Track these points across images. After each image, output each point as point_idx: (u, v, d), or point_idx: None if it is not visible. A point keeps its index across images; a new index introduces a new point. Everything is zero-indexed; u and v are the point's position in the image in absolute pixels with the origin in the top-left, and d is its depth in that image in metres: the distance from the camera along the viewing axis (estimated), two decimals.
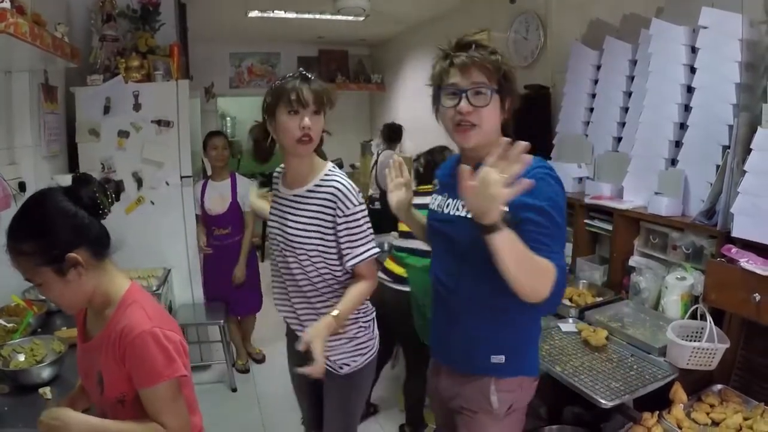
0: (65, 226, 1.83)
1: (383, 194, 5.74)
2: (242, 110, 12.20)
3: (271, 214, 2.71)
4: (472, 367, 2.26)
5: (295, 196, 2.60)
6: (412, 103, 8.79)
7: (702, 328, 2.85)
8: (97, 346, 1.93)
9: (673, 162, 3.40)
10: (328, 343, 2.42)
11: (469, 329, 2.23)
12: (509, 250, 1.73)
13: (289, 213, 2.60)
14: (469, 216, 1.87)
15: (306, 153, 2.52)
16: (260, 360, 5.85)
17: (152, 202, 5.07)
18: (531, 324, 2.30)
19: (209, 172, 5.56)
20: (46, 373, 2.69)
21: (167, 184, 5.09)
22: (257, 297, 5.64)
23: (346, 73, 10.10)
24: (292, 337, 2.85)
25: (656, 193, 3.41)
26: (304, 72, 2.51)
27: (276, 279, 2.77)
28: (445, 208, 2.25)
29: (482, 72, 2.04)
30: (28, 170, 4.13)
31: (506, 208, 1.69)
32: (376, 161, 6.98)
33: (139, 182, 5.04)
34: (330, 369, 2.70)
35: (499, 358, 2.20)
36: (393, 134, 7.27)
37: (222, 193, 5.29)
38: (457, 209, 2.16)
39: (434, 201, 2.38)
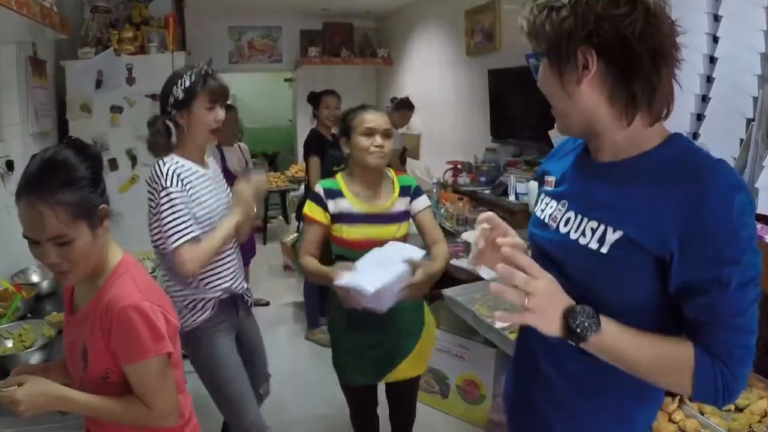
0: (98, 177, 1.85)
1: None
2: (242, 87, 12.16)
3: (205, 193, 2.92)
4: None
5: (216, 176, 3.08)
6: (420, 77, 8.78)
7: None
8: (84, 318, 1.91)
9: (695, 135, 3.34)
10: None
11: (578, 417, 1.69)
12: (610, 353, 1.44)
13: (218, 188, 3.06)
14: (602, 251, 1.47)
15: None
16: (265, 304, 6.60)
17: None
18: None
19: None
20: (34, 358, 2.67)
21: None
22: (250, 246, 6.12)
23: (351, 47, 10.06)
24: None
25: None
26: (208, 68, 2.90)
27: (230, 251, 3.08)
28: (560, 224, 1.63)
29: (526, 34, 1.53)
30: (16, 148, 4.13)
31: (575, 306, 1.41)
32: None
33: (134, 160, 5.09)
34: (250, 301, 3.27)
35: None
36: (400, 104, 7.25)
37: (237, 156, 5.71)
38: (581, 233, 1.54)
39: (544, 205, 1.75)
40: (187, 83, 2.80)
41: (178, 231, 2.70)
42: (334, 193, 3.08)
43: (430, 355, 3.42)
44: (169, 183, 2.70)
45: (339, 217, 3.06)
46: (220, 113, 2.88)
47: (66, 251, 1.78)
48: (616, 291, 1.46)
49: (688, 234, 1.34)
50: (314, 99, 6.12)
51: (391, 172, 3.21)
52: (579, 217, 1.56)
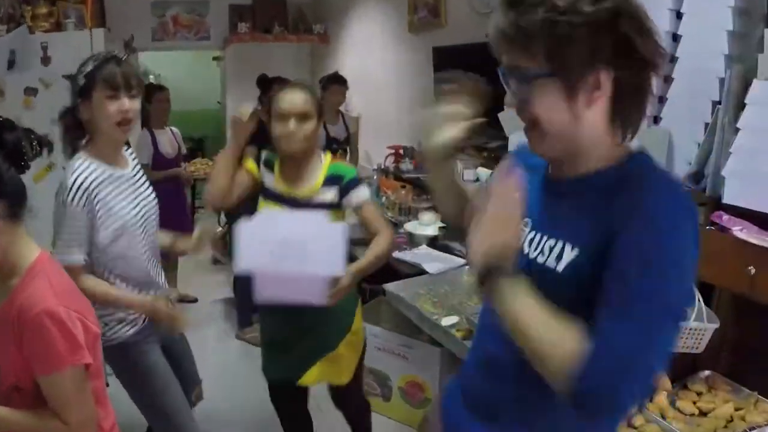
0: None
1: None
2: (167, 67, 12.03)
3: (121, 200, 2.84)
4: None
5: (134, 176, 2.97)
6: (359, 56, 8.67)
7: None
8: None
9: (656, 119, 3.28)
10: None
11: None
12: (515, 311, 1.41)
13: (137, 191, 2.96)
14: (557, 269, 1.48)
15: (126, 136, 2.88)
16: (193, 300, 6.59)
17: (65, 169, 4.91)
18: None
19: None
20: None
21: None
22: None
23: (285, 23, 9.84)
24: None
25: None
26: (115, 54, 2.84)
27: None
28: (524, 245, 1.61)
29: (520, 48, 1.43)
30: None
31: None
32: None
33: (50, 146, 4.87)
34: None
35: None
36: (328, 81, 6.89)
37: (169, 138, 5.93)
38: (540, 252, 1.55)
39: None
40: (88, 68, 2.70)
41: (65, 246, 2.65)
42: (269, 164, 3.19)
43: (353, 366, 3.36)
44: (70, 198, 2.63)
45: (263, 190, 3.17)
46: (126, 103, 2.70)
47: None
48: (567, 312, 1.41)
49: (618, 235, 1.36)
50: (264, 84, 6.13)
51: (327, 159, 3.18)
52: (539, 235, 1.57)
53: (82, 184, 2.64)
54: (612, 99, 1.41)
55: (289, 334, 3.17)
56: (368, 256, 3.04)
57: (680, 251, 1.36)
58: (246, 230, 2.77)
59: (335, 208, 3.08)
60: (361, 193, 3.12)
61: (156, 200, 3.07)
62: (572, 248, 1.45)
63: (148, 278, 2.97)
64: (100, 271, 2.78)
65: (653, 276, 1.31)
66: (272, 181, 3.14)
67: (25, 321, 1.78)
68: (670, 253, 1.33)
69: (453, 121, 1.77)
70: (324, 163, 3.14)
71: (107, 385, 2.31)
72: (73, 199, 2.61)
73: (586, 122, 1.43)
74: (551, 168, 1.62)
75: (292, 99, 3.00)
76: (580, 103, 1.40)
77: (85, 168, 2.70)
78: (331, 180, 3.09)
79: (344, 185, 3.08)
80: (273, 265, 2.72)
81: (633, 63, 1.37)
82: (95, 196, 2.67)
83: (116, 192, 2.79)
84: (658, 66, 1.42)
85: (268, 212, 2.94)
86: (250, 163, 3.20)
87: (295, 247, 2.71)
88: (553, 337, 1.36)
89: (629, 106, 1.43)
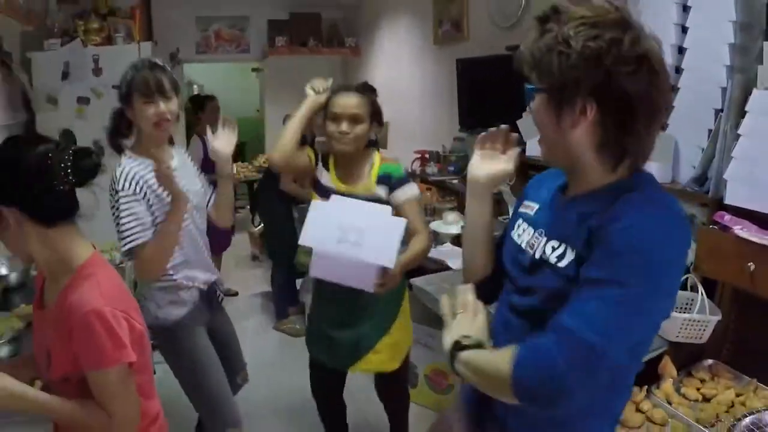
0: (12, 182, 1.81)
1: None
2: (209, 77, 12.19)
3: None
4: None
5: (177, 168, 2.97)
6: (388, 67, 8.78)
7: (692, 300, 2.89)
8: (49, 317, 1.94)
9: (663, 126, 3.24)
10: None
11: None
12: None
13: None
14: (559, 265, 1.58)
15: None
16: (234, 294, 6.67)
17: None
18: None
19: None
20: (3, 351, 2.74)
21: None
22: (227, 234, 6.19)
23: (319, 37, 9.97)
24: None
25: None
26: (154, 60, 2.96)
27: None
28: (532, 247, 1.72)
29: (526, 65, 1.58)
30: None
31: None
32: None
33: (101, 150, 5.01)
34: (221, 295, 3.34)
35: None
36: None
37: None
38: (551, 253, 1.62)
39: (521, 230, 1.83)
40: (129, 76, 2.85)
41: (129, 234, 2.73)
42: (324, 162, 3.24)
43: (403, 352, 3.41)
44: (120, 186, 2.73)
45: (316, 184, 3.19)
46: (161, 106, 2.83)
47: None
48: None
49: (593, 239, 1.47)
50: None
51: (377, 158, 3.21)
52: (550, 240, 1.65)
53: (128, 173, 2.76)
54: (597, 129, 1.49)
55: (343, 317, 3.20)
56: (410, 251, 3.06)
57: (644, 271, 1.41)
58: (317, 209, 2.86)
59: (385, 204, 3.03)
60: (411, 191, 3.16)
61: (203, 190, 3.18)
62: (572, 251, 1.54)
63: (199, 255, 3.10)
64: None
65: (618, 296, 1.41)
66: (328, 178, 3.18)
67: (75, 319, 1.81)
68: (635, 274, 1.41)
69: (499, 157, 1.99)
70: (376, 163, 3.18)
71: (154, 372, 2.37)
72: (123, 186, 2.72)
73: (573, 141, 1.53)
74: (569, 184, 1.71)
75: (345, 101, 3.09)
76: (565, 122, 1.51)
77: (129, 162, 2.82)
78: (382, 179, 3.13)
79: (393, 182, 3.12)
80: (332, 246, 2.76)
81: (614, 100, 1.43)
82: (143, 183, 2.78)
83: None
84: (643, 109, 1.45)
85: (340, 198, 2.96)
86: (309, 151, 3.23)
87: (354, 233, 2.76)
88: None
89: (612, 140, 1.49)
